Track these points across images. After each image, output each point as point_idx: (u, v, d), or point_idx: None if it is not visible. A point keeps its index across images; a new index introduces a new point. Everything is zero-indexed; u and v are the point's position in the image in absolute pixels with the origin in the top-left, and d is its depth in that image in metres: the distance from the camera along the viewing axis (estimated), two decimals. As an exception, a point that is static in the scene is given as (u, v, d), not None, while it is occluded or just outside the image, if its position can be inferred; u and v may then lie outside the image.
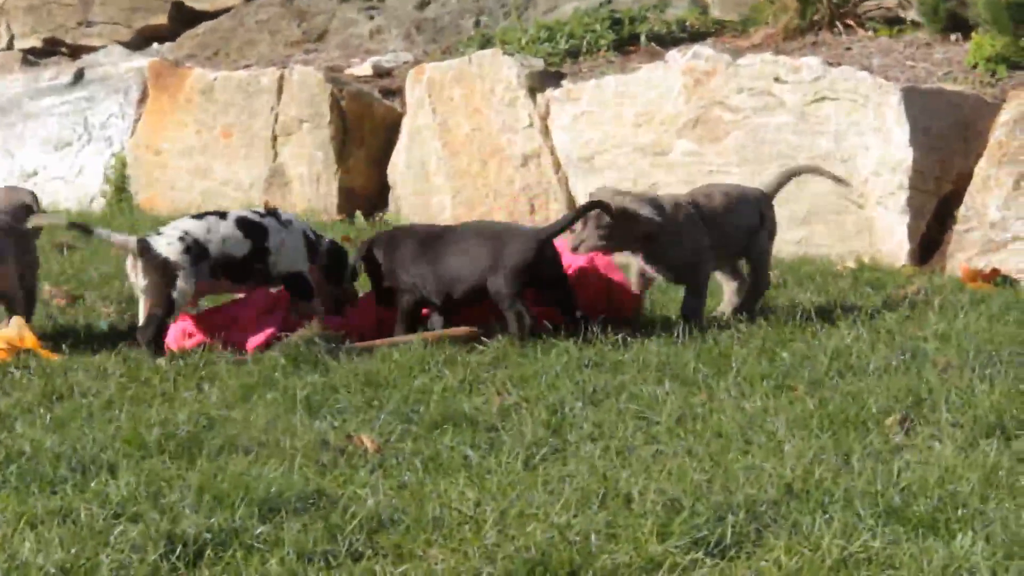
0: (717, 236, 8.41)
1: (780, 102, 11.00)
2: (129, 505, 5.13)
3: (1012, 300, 8.99)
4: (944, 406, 6.39)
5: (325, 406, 6.62)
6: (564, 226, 8.25)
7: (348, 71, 14.17)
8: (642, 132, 11.66)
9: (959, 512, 5.00)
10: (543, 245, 7.97)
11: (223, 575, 4.60)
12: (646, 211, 8.14)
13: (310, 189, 13.36)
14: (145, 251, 7.88)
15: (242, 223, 8.19)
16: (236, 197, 13.23)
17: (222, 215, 8.27)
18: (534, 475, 5.51)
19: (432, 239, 8.26)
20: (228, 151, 13.94)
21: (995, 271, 10.02)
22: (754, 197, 8.79)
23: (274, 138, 13.68)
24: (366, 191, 13.29)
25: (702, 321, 8.21)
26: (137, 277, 7.96)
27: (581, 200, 11.95)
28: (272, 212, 8.48)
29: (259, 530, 4.87)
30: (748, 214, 8.62)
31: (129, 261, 8.00)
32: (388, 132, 13.40)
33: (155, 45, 16.17)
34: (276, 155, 13.65)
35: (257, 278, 8.22)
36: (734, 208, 8.57)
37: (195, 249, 7.94)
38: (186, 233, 7.99)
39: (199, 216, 8.29)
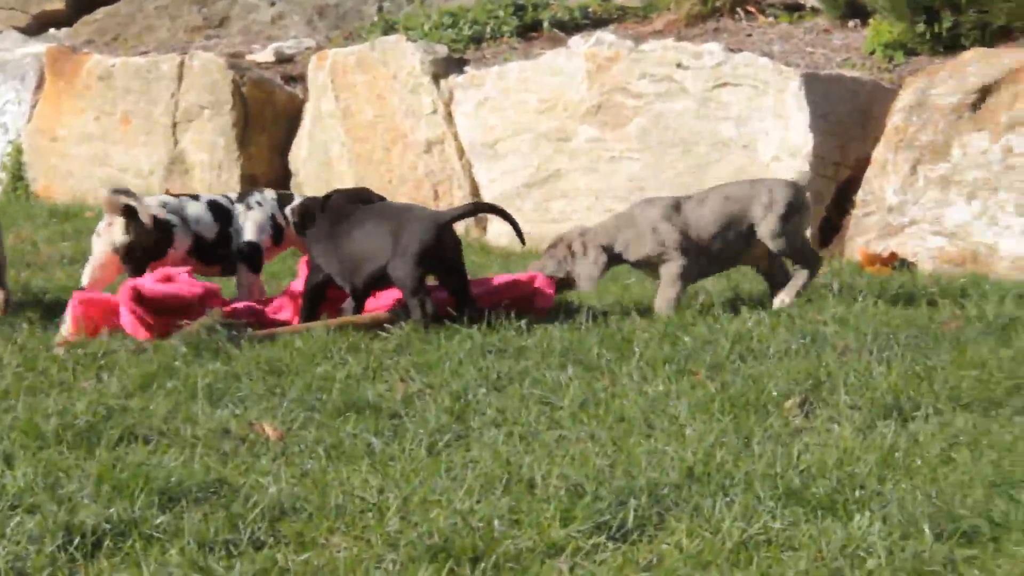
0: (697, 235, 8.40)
1: (682, 88, 11.05)
2: (26, 496, 5.07)
3: (909, 283, 9.09)
4: (843, 389, 6.44)
5: (227, 394, 6.57)
6: (464, 213, 8.22)
7: (249, 57, 14.10)
8: (545, 118, 11.67)
9: (857, 493, 5.05)
10: (443, 229, 7.91)
11: (122, 566, 4.56)
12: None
13: (211, 176, 13.27)
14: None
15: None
16: (136, 184, 13.11)
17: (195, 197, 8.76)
18: (437, 461, 5.50)
19: (341, 217, 8.17)
20: (127, 138, 13.83)
21: (893, 255, 10.13)
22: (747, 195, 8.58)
23: (174, 125, 13.58)
24: (268, 178, 13.20)
25: (669, 313, 8.16)
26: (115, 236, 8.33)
27: (484, 186, 11.96)
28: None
29: (159, 520, 4.83)
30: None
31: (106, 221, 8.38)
32: (290, 119, 13.34)
33: (52, 31, 16.02)
34: (176, 142, 13.56)
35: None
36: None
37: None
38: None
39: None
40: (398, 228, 7.88)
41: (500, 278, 8.53)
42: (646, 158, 11.13)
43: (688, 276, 8.37)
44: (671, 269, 8.33)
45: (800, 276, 8.46)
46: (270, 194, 8.89)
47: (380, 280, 7.97)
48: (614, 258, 8.45)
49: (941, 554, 4.49)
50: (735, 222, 8.40)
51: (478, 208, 8.57)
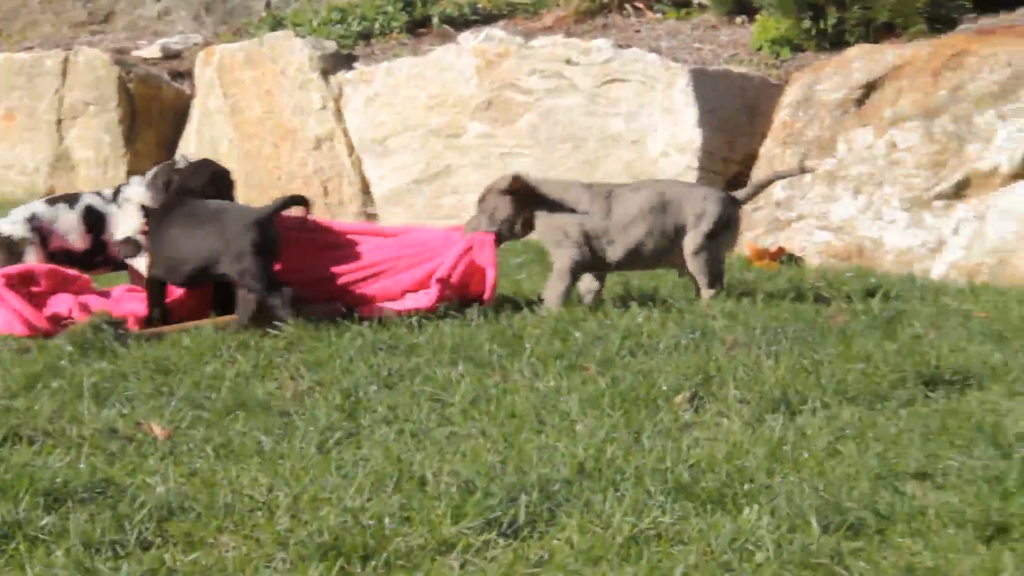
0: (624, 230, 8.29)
1: (572, 84, 11.08)
2: (-91, 498, 4.98)
3: (797, 277, 9.16)
4: (732, 383, 6.48)
5: (114, 394, 6.50)
6: (279, 207, 8.14)
7: (136, 53, 13.97)
8: (435, 114, 11.66)
9: (745, 487, 5.08)
10: (264, 225, 7.86)
11: (6, 568, 4.50)
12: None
13: (97, 173, 13.14)
14: None
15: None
16: (20, 181, 12.98)
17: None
18: (328, 459, 5.47)
19: (165, 212, 8.12)
20: (11, 134, 13.65)
21: (781, 249, 10.22)
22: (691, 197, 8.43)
23: (59, 121, 13.43)
24: (156, 175, 13.08)
25: (556, 307, 8.10)
26: None
27: (375, 183, 11.92)
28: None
29: (44, 521, 4.77)
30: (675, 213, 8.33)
31: None
32: (178, 115, 13.24)
33: (-65, 26, 15.78)
34: (62, 139, 13.41)
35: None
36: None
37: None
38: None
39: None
40: (222, 228, 7.82)
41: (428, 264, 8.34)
42: (536, 154, 11.15)
43: (578, 271, 8.30)
44: (563, 261, 8.27)
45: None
46: (136, 181, 8.74)
47: (203, 278, 7.91)
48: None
49: (828, 546, 4.53)
50: (662, 220, 8.25)
51: (291, 201, 8.43)
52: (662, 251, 8.29)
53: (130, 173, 12.91)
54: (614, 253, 8.26)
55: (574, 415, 6.03)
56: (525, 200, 8.29)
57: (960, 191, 9.90)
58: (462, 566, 4.47)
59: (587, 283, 8.42)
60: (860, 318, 7.93)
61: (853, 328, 7.68)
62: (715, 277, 8.28)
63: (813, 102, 10.53)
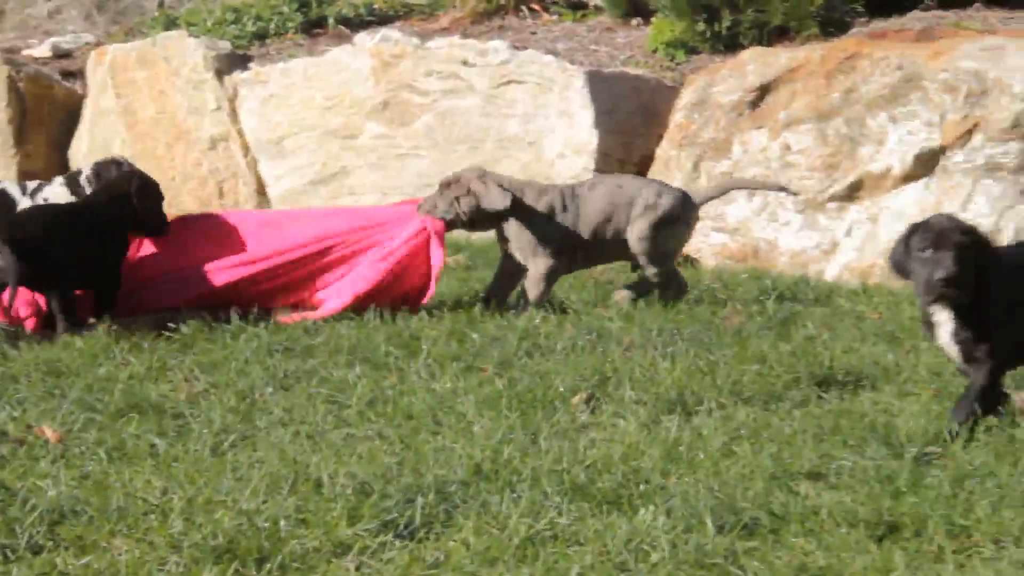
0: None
1: (469, 85, 11.08)
2: None
3: (693, 279, 9.21)
4: (628, 384, 6.51)
5: (3, 396, 6.42)
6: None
7: (26, 52, 13.81)
8: (331, 115, 11.62)
9: (641, 487, 5.10)
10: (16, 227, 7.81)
11: None
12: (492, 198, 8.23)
13: (-14, 172, 12.97)
14: None
15: None
16: (-90, 182, 12.77)
17: None
18: (223, 462, 5.44)
19: None
20: (-100, 134, 13.44)
21: (677, 251, 10.26)
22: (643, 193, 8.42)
23: (-53, 121, 13.24)
24: (47, 174, 12.91)
25: (524, 311, 8.05)
26: None
27: (271, 184, 11.86)
28: None
29: (-66, 526, 4.70)
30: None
31: None
32: (69, 115, 13.10)
33: None
34: (-49, 138, 13.22)
35: None
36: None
37: None
38: None
39: None
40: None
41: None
42: (433, 155, 11.14)
43: (555, 277, 8.30)
44: (539, 268, 8.24)
45: (645, 284, 8.42)
46: (58, 181, 8.72)
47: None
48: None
49: (723, 546, 4.56)
50: (617, 214, 8.30)
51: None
52: (620, 246, 8.35)
53: (20, 173, 12.79)
54: (583, 254, 8.34)
55: (471, 416, 6.03)
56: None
57: (853, 193, 10.01)
58: (358, 568, 4.45)
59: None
60: (755, 319, 7.99)
61: (748, 329, 7.73)
62: (659, 260, 8.33)
63: (708, 104, 10.59)
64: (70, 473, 5.30)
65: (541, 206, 8.28)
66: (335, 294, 8.17)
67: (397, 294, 8.14)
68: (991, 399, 5.83)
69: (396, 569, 4.42)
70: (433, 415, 6.08)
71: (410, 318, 7.94)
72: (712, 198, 8.78)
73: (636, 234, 8.28)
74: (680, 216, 8.39)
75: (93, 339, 7.38)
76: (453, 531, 4.74)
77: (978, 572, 4.32)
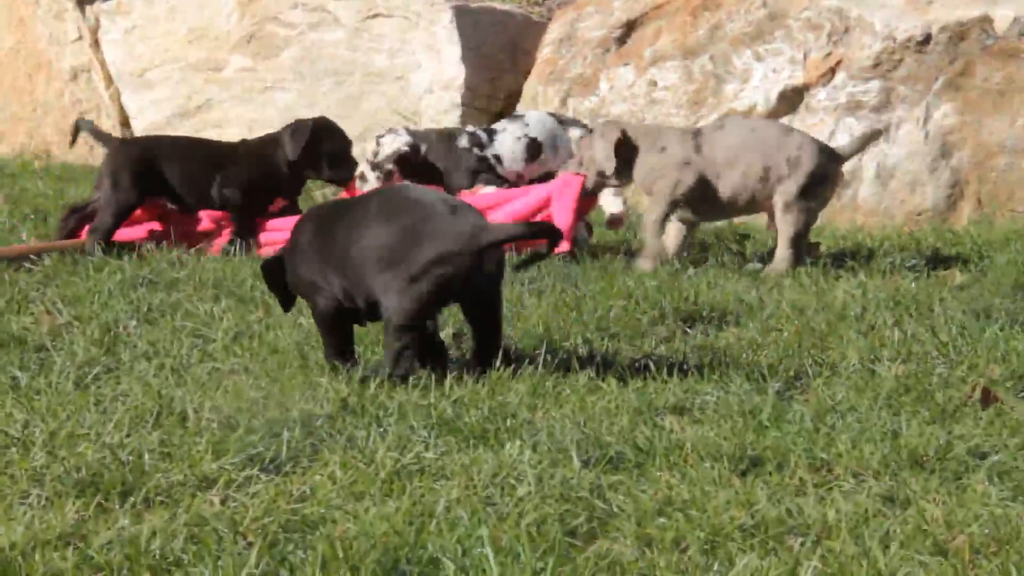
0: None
1: (335, 18, 11.00)
2: None
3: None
4: (495, 319, 6.52)
5: None
6: None
7: None
8: (195, 48, 11.49)
9: (508, 422, 5.12)
10: None
11: None
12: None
13: None
14: None
15: None
16: None
17: None
18: (86, 395, 5.38)
19: None
20: None
21: (544, 187, 10.29)
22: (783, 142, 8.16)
23: None
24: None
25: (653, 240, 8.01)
26: None
27: (134, 116, 11.70)
28: None
29: None
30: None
31: None
32: (-75, 43, 12.82)
33: None
34: None
35: None
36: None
37: None
38: None
39: None
40: None
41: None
42: (299, 88, 11.06)
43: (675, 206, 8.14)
44: (660, 189, 8.12)
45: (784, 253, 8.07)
46: None
47: None
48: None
49: (588, 480, 4.59)
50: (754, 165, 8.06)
51: None
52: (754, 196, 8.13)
53: None
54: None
55: (337, 351, 6.00)
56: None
57: (717, 131, 10.08)
58: (223, 501, 4.43)
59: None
60: (620, 256, 8.03)
61: (614, 266, 7.77)
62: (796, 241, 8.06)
63: (575, 40, 10.61)
64: (-71, 407, 5.22)
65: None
66: None
67: None
68: None
69: (262, 503, 4.40)
70: (299, 350, 6.06)
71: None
72: (857, 151, 8.53)
73: (782, 201, 8.05)
74: (826, 175, 8.14)
75: (-48, 272, 7.26)
76: (319, 465, 4.73)
77: (839, 505, 4.39)
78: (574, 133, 8.83)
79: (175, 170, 8.44)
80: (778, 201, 8.00)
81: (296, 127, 8.57)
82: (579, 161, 8.23)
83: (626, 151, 8.08)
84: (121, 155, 8.45)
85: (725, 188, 8.02)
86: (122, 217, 8.29)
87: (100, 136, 8.80)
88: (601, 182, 8.17)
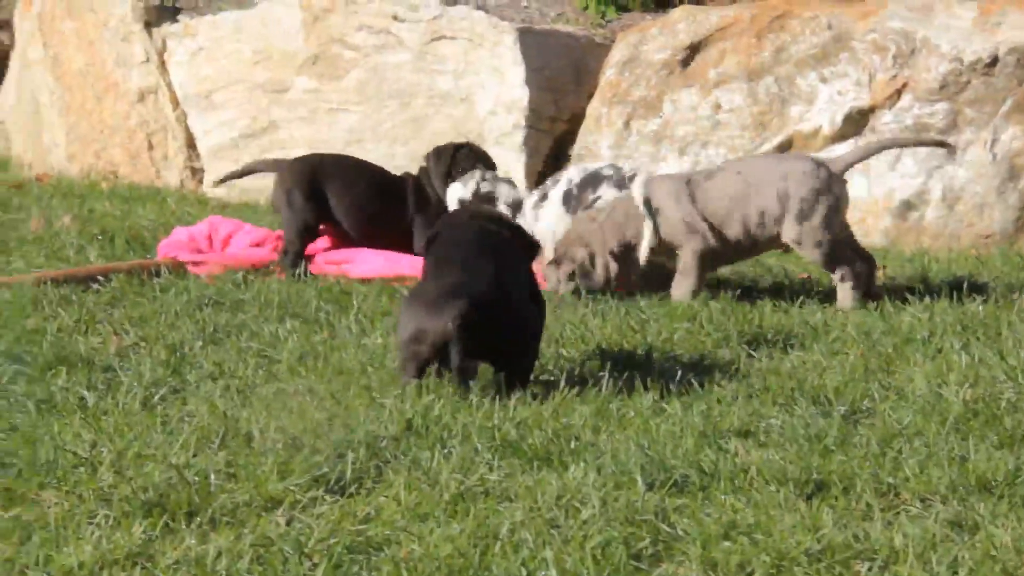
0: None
1: (399, 40, 11.04)
2: None
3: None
4: (559, 341, 6.53)
5: (-69, 348, 6.37)
6: None
7: (-50, 2, 13.65)
8: (260, 69, 11.54)
9: (572, 444, 5.12)
10: None
11: None
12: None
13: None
14: None
15: None
16: None
17: None
18: (153, 415, 5.42)
19: None
20: None
21: (606, 209, 10.27)
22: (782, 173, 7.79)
23: None
24: (-28, 126, 12.82)
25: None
26: None
27: (200, 137, 11.77)
28: None
29: None
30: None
31: None
32: (-4, 66, 12.97)
33: None
34: None
35: None
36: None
37: None
38: None
39: None
40: None
41: None
42: (364, 110, 11.10)
43: (706, 261, 7.75)
44: (684, 254, 7.74)
45: (843, 290, 7.70)
46: None
47: None
48: (627, 255, 7.81)
49: (653, 503, 4.58)
50: (745, 204, 7.69)
51: None
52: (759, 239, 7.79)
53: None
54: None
55: (401, 372, 6.02)
56: None
57: (783, 152, 10.04)
58: (288, 522, 4.45)
59: None
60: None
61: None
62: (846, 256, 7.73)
63: (639, 62, 10.60)
64: (-2, 425, 5.27)
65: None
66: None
67: None
68: None
69: (327, 524, 4.42)
70: (364, 370, 6.08)
71: (339, 275, 7.93)
72: (854, 163, 8.05)
73: (791, 237, 7.69)
74: (820, 190, 7.69)
75: (20, 291, 7.32)
76: (384, 487, 4.75)
77: (906, 530, 4.37)
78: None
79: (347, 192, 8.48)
80: (790, 243, 7.73)
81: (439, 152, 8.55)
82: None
83: None
84: (293, 174, 8.47)
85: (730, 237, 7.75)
86: (306, 236, 8.32)
87: (271, 165, 8.77)
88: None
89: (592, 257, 7.79)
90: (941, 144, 8.46)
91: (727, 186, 7.69)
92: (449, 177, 8.47)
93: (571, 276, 7.80)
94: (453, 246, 5.94)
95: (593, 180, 8.22)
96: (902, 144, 8.68)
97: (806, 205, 7.62)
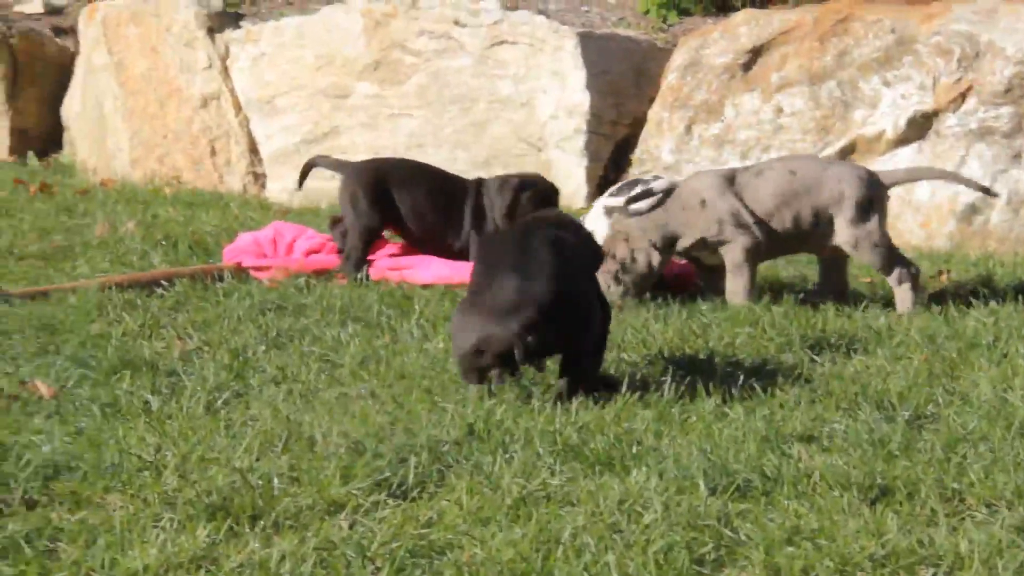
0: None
1: (460, 45, 11.06)
2: None
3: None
4: (620, 345, 6.52)
5: (-2, 352, 6.43)
6: None
7: (17, 9, 13.77)
8: (322, 75, 11.59)
9: (634, 449, 5.11)
10: None
11: None
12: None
13: (-21, 130, 12.95)
14: None
15: None
16: None
17: None
18: (216, 419, 5.44)
19: None
20: None
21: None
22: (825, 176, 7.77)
23: (-60, 77, 13.21)
24: (39, 131, 12.94)
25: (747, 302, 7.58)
26: None
27: (262, 143, 11.83)
28: None
29: (-72, 481, 4.71)
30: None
31: None
32: (61, 71, 13.08)
33: None
34: (-58, 96, 13.19)
35: None
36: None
37: None
38: None
39: None
40: None
41: None
42: (425, 115, 11.12)
43: (756, 257, 7.72)
44: (733, 251, 7.72)
45: (902, 292, 7.68)
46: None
47: None
48: (668, 250, 7.80)
49: (716, 508, 4.57)
50: (798, 202, 7.66)
51: None
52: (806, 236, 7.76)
53: (13, 131, 12.77)
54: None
55: (463, 376, 6.03)
56: None
57: (845, 156, 10.01)
58: (351, 526, 4.46)
59: None
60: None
61: (739, 292, 7.72)
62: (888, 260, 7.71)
63: (700, 66, 10.58)
64: (64, 429, 5.30)
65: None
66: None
67: None
68: None
69: (389, 528, 4.43)
70: (425, 375, 6.09)
71: (401, 280, 7.94)
72: (901, 182, 8.09)
73: (844, 239, 7.67)
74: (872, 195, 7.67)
75: (86, 296, 7.37)
76: (446, 491, 4.75)
77: (971, 535, 4.34)
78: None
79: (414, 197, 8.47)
80: (843, 246, 7.68)
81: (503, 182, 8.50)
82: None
83: None
84: (358, 177, 8.45)
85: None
86: (369, 240, 8.36)
87: (335, 166, 8.77)
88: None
89: (633, 252, 7.77)
90: (985, 191, 8.24)
91: (779, 183, 7.66)
92: (512, 215, 8.35)
93: (617, 277, 7.75)
94: (517, 251, 5.91)
95: None
96: (950, 180, 8.54)
97: (861, 209, 7.58)
